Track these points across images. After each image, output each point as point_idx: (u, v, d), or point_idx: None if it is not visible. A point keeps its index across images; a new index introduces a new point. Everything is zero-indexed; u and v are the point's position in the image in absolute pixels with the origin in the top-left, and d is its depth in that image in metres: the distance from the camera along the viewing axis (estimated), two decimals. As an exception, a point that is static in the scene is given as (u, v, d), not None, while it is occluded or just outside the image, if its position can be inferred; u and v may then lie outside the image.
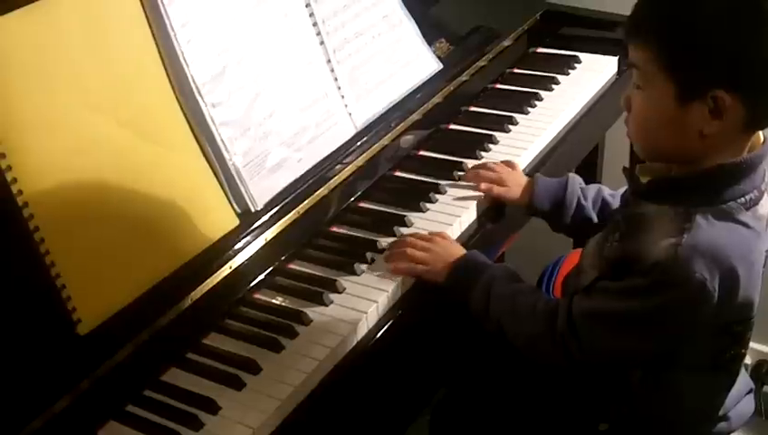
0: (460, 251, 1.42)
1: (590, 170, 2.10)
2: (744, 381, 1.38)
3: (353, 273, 1.40)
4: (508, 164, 1.64)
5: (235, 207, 1.37)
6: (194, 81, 1.34)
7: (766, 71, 1.12)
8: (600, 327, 1.23)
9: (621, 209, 1.32)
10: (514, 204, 1.59)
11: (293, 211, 1.44)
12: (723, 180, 1.18)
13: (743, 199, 1.19)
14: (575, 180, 1.55)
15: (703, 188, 1.19)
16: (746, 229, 1.18)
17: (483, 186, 1.58)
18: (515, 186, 1.58)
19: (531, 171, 1.67)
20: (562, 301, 1.28)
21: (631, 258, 1.19)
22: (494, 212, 1.60)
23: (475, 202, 1.57)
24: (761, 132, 1.22)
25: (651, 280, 1.16)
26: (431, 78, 1.76)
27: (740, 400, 1.38)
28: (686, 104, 1.14)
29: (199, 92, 1.34)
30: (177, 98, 1.33)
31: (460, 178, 1.64)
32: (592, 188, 1.55)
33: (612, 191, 1.53)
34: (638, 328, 1.21)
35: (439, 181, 1.63)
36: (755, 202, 1.20)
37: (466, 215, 1.55)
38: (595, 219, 1.52)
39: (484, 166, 1.64)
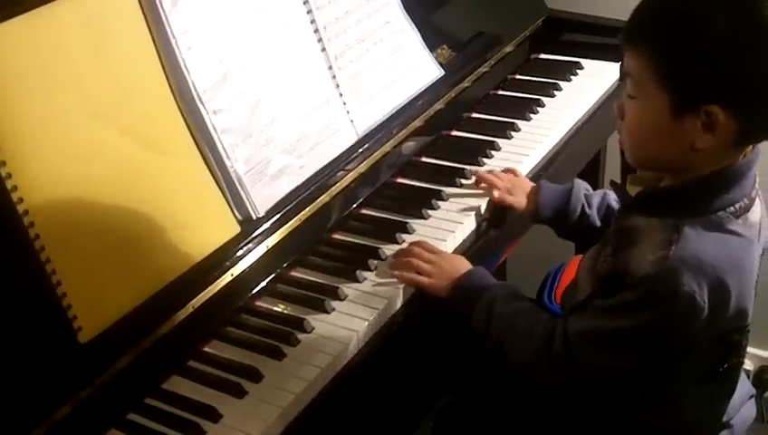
0: (466, 266, 1.41)
1: (592, 176, 2.10)
2: (745, 387, 1.38)
3: (355, 280, 1.40)
4: (511, 172, 1.64)
5: (237, 214, 1.37)
6: (195, 87, 1.34)
7: (762, 90, 1.11)
8: (594, 347, 1.22)
9: (614, 222, 1.32)
10: (521, 213, 1.58)
11: (295, 218, 1.44)
12: (711, 189, 1.17)
13: (732, 208, 1.17)
14: (580, 187, 1.54)
15: (692, 198, 1.18)
16: (736, 238, 1.17)
17: (496, 193, 1.58)
18: (521, 194, 1.58)
19: (533, 178, 1.67)
20: (560, 322, 1.28)
21: (622, 273, 1.18)
22: (496, 218, 1.60)
23: (477, 209, 1.57)
24: None
25: (640, 294, 1.15)
26: (433, 84, 1.76)
27: (742, 406, 1.38)
28: (678, 116, 1.13)
29: (200, 99, 1.34)
30: (178, 105, 1.33)
31: (462, 185, 1.63)
32: (597, 195, 1.54)
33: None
34: (632, 345, 1.20)
35: (441, 188, 1.62)
36: (746, 209, 1.19)
37: (468, 221, 1.55)
38: (599, 225, 1.51)
39: (490, 175, 1.62)
